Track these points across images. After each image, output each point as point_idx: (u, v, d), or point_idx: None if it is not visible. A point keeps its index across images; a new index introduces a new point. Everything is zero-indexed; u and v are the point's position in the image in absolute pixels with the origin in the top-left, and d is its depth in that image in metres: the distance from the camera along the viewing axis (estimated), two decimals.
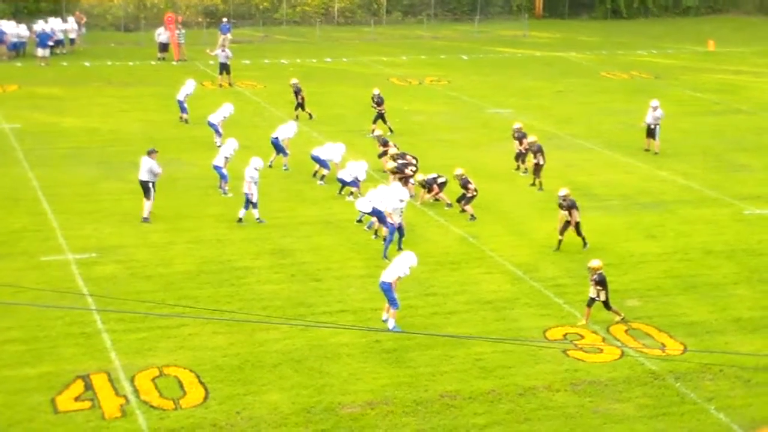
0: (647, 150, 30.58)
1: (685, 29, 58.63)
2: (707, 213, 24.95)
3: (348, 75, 43.04)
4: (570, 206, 21.67)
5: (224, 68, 39.27)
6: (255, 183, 23.07)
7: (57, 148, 29.63)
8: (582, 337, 17.73)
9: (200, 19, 54.51)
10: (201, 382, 15.79)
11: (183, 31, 45.98)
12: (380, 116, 31.98)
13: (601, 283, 18.01)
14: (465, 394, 15.71)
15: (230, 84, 39.19)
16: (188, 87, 32.57)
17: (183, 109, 32.41)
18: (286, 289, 19.65)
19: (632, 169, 29.00)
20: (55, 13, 49.29)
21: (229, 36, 47.68)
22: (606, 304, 18.14)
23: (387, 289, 17.72)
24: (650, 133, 30.63)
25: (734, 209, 25.32)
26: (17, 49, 44.10)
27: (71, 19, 47.02)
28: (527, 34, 55.35)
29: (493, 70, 45.07)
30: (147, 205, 22.94)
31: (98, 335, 17.26)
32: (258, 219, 23.24)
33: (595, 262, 18.26)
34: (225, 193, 25.21)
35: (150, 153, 23.30)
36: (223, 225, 23.13)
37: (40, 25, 43.65)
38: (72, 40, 46.20)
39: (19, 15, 49.23)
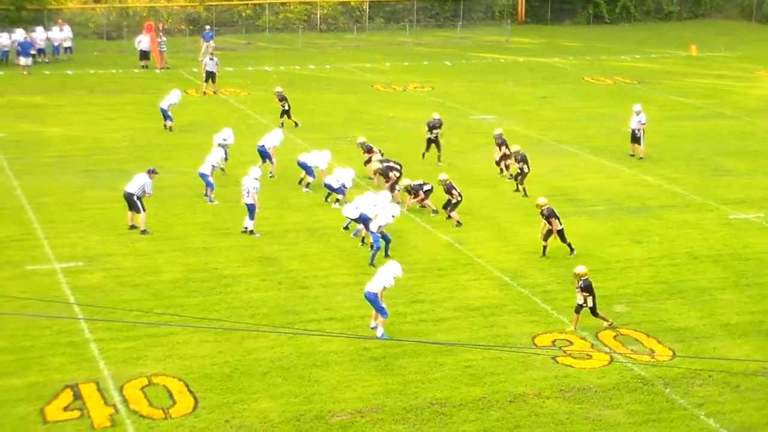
0: (632, 155, 30.71)
1: (668, 34, 58.92)
2: (693, 218, 25.06)
3: (331, 82, 43.03)
4: (549, 215, 21.68)
5: (210, 76, 39.21)
6: (256, 192, 22.94)
7: (41, 156, 29.48)
8: (571, 343, 17.77)
9: (182, 27, 54.37)
10: (190, 391, 15.73)
11: (165, 38, 45.86)
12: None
13: (587, 289, 18.05)
14: (455, 401, 15.71)
15: (215, 92, 39.12)
16: (173, 97, 32.41)
17: (167, 117, 32.31)
18: (274, 297, 19.61)
19: (617, 174, 29.12)
20: (37, 21, 49.06)
21: (212, 43, 47.61)
22: (593, 311, 18.19)
23: (373, 299, 17.70)
24: (634, 138, 30.77)
25: (719, 214, 25.45)
26: (1, 58, 43.85)
27: (67, 28, 46.79)
28: (510, 39, 55.50)
29: (477, 76, 45.16)
30: (142, 217, 22.84)
31: (86, 344, 17.17)
32: (252, 231, 23.09)
33: (580, 269, 18.31)
34: (210, 201, 25.16)
35: (150, 172, 23.20)
36: (210, 233, 23.07)
37: (21, 34, 43.42)
38: (67, 49, 45.94)
39: (0, 23, 48.92)
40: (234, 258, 21.57)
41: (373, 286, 17.76)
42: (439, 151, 29.66)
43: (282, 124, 32.66)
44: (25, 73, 42.21)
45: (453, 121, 35.89)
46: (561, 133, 33.96)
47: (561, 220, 21.92)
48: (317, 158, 26.69)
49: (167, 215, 24.07)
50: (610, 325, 18.33)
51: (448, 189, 24.02)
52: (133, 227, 22.98)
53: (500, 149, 28.16)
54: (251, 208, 22.99)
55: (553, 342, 17.83)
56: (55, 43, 45.65)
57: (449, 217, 24.13)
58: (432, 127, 29.73)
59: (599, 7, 62.35)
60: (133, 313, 18.12)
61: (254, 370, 16.49)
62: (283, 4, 58.23)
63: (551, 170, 29.01)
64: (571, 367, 16.87)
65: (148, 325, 17.65)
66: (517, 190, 26.73)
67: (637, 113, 30.60)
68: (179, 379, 16.05)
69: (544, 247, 21.93)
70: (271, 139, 27.87)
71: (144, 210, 22.84)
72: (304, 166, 26.63)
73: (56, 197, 25.50)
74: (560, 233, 21.87)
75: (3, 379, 15.92)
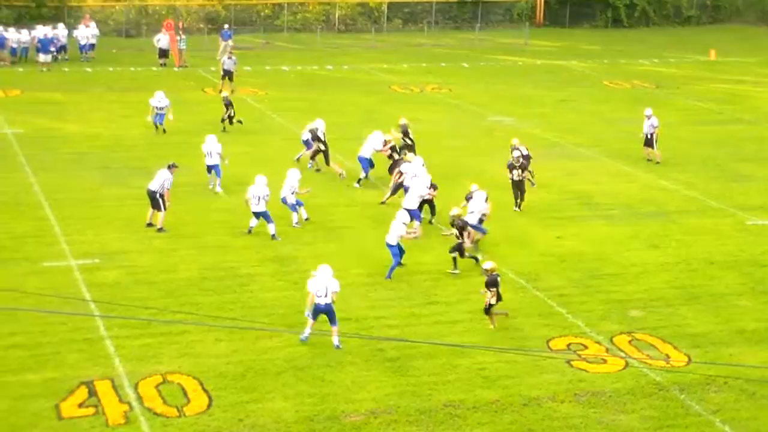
0: (649, 160, 30.58)
1: (687, 38, 58.68)
2: (710, 223, 24.95)
3: (349, 82, 43.05)
4: (461, 227, 21.19)
5: (228, 75, 39.28)
6: (266, 200, 22.76)
7: (59, 153, 29.61)
8: (585, 347, 17.71)
9: (201, 26, 54.50)
10: (204, 390, 15.77)
11: (184, 37, 45.99)
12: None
13: (492, 284, 18.08)
14: (469, 403, 15.68)
15: (232, 91, 39.15)
16: (158, 99, 31.91)
17: (156, 121, 31.83)
18: (289, 297, 19.63)
19: (634, 178, 29.02)
20: (57, 18, 49.30)
21: (230, 42, 47.72)
22: (486, 308, 18.17)
23: (329, 309, 17.38)
24: (648, 142, 30.66)
25: (737, 219, 25.32)
26: (19, 55, 44.11)
27: (93, 24, 46.99)
28: (528, 42, 55.37)
29: (494, 78, 45.09)
30: (161, 216, 22.91)
31: (101, 341, 17.23)
32: (274, 236, 22.87)
33: (488, 264, 18.50)
34: (214, 188, 25.65)
35: (170, 167, 23.30)
36: (226, 232, 23.11)
37: (41, 31, 43.64)
38: (92, 45, 46.12)
39: (21, 20, 49.21)
40: (250, 257, 21.61)
41: (329, 296, 17.41)
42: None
43: (224, 128, 31.88)
44: (44, 69, 42.41)
45: (470, 123, 35.91)
46: (578, 137, 33.86)
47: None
48: (371, 144, 27.36)
49: (184, 213, 24.11)
50: (505, 314, 18.53)
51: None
52: (150, 225, 23.05)
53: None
54: (266, 216, 22.82)
55: (568, 346, 17.78)
56: (81, 41, 45.81)
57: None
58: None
59: (618, 11, 62.13)
60: (148, 311, 18.17)
61: (268, 370, 16.51)
62: (301, 4, 58.29)
63: (568, 173, 28.93)
64: (586, 371, 16.82)
65: (163, 323, 17.69)
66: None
67: (648, 117, 30.53)
68: (194, 378, 16.09)
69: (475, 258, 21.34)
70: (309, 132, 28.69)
71: (165, 209, 22.89)
72: (361, 160, 27.15)
73: (73, 194, 25.59)
74: (460, 247, 21.15)
75: (19, 374, 16.00)
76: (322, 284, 17.35)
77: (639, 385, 16.42)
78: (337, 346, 17.34)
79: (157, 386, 15.78)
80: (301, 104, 35.29)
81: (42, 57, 42.70)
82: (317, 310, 17.37)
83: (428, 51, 52.51)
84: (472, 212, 22.39)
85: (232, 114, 32.49)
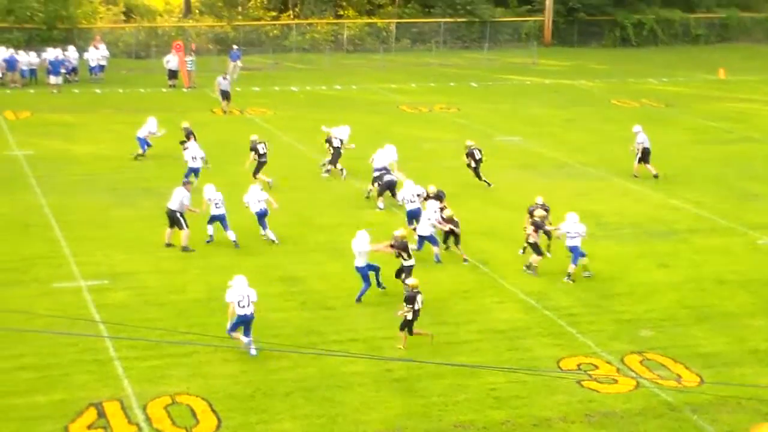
0: (656, 176, 30.55)
1: (696, 57, 58.70)
2: (720, 242, 24.84)
3: (357, 102, 43.14)
4: (403, 247, 20.81)
5: (224, 95, 39.45)
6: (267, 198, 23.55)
7: (69, 174, 29.68)
8: (596, 367, 17.62)
9: (210, 47, 54.77)
10: (213, 411, 15.72)
11: (193, 58, 46.20)
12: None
13: (409, 301, 18.03)
14: (479, 424, 15.60)
15: (224, 111, 39.17)
16: (150, 125, 31.81)
17: (142, 146, 31.49)
18: (297, 317, 19.60)
19: (643, 197, 28.94)
20: (68, 41, 49.59)
21: (239, 63, 47.94)
22: (407, 323, 18.10)
23: (253, 318, 17.64)
24: (644, 158, 30.74)
25: (747, 239, 25.21)
26: (29, 77, 44.38)
27: (102, 46, 47.27)
28: (536, 61, 55.47)
29: (503, 98, 45.14)
30: (184, 235, 22.97)
31: (111, 362, 17.21)
32: (274, 240, 23.50)
33: (411, 280, 18.51)
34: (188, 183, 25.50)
35: (185, 184, 23.38)
36: (234, 252, 23.10)
37: (51, 53, 43.88)
38: (102, 67, 46.35)
39: (32, 43, 49.51)
40: (258, 277, 21.49)
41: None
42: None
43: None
44: (54, 91, 42.62)
45: (478, 142, 35.78)
46: (587, 156, 33.81)
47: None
48: (385, 156, 27.91)
49: (192, 233, 24.05)
50: (430, 337, 18.42)
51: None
52: (169, 245, 23.03)
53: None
54: (261, 216, 23.33)
55: (579, 366, 17.68)
56: (92, 63, 46.04)
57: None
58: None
59: (626, 30, 62.25)
60: (157, 332, 18.13)
61: (277, 391, 16.46)
62: (310, 24, 58.58)
63: (577, 193, 28.88)
64: (597, 391, 16.72)
65: (172, 344, 17.67)
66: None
67: (637, 133, 30.89)
68: (202, 399, 16.05)
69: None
70: (341, 132, 30.01)
71: (187, 227, 22.93)
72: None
73: (83, 215, 25.64)
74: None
75: (28, 396, 15.98)
76: (243, 294, 17.57)
77: (650, 405, 16.31)
78: (254, 354, 17.56)
79: (166, 407, 15.74)
80: (310, 124, 35.30)
81: (52, 79, 42.92)
82: (242, 322, 17.59)
83: (436, 71, 52.63)
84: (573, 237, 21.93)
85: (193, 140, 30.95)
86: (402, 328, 18.25)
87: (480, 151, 29.34)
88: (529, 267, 22.18)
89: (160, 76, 46.12)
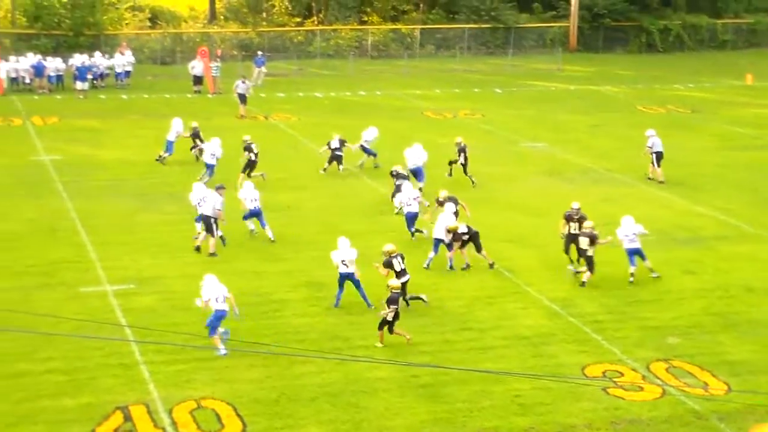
0: (662, 182, 30.70)
1: (722, 63, 58.37)
2: (747, 249, 24.65)
3: (382, 108, 43.20)
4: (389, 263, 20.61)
5: (241, 99, 39.66)
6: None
7: (95, 179, 29.89)
8: (622, 374, 17.53)
9: (235, 53, 55.03)
10: (238, 415, 15.77)
11: (219, 64, 46.44)
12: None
13: (391, 302, 18.20)
14: (503, 430, 15.57)
15: (242, 115, 39.35)
16: (176, 126, 31.98)
17: (169, 149, 31.68)
18: (322, 323, 19.63)
19: (669, 203, 28.79)
20: (94, 47, 49.99)
21: (263, 69, 48.14)
22: (387, 323, 18.31)
23: (226, 315, 17.92)
24: (657, 161, 30.95)
25: None
26: (57, 83, 44.78)
27: (128, 53, 47.65)
28: (561, 67, 55.33)
29: (527, 104, 45.06)
30: (211, 241, 23.09)
31: (137, 366, 17.31)
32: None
33: (393, 281, 18.66)
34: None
35: (218, 189, 23.51)
36: (259, 257, 23.19)
37: (78, 59, 44.25)
38: (128, 73, 46.69)
39: (59, 49, 49.96)
40: (283, 283, 21.64)
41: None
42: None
43: (197, 157, 31.64)
44: (81, 97, 42.97)
45: (503, 148, 35.87)
46: (612, 162, 33.68)
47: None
48: (416, 155, 28.76)
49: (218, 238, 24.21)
50: (408, 340, 18.51)
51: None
52: (198, 249, 23.14)
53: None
54: (258, 214, 23.95)
55: (604, 373, 17.61)
56: (118, 70, 46.40)
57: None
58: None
59: (652, 36, 62.01)
60: (182, 336, 18.21)
61: (302, 396, 16.49)
62: (334, 30, 58.74)
63: (602, 199, 28.76)
64: (622, 399, 16.63)
65: (197, 349, 17.74)
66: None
67: (650, 136, 31.08)
68: (228, 403, 16.11)
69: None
70: (369, 134, 31.24)
71: (216, 234, 23.11)
72: (417, 172, 28.44)
73: (109, 220, 25.80)
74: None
75: (56, 399, 16.11)
76: (219, 292, 17.95)
77: (677, 413, 16.21)
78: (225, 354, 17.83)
79: (191, 411, 15.81)
80: (334, 130, 35.31)
81: (79, 85, 43.29)
82: (221, 317, 17.91)
83: (461, 77, 52.62)
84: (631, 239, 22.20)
85: (200, 143, 31.54)
86: (380, 327, 18.46)
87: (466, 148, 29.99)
88: (583, 284, 21.76)
89: (185, 82, 46.41)
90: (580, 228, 22.30)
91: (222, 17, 61.73)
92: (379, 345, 18.49)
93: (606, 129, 39.73)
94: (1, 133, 36.27)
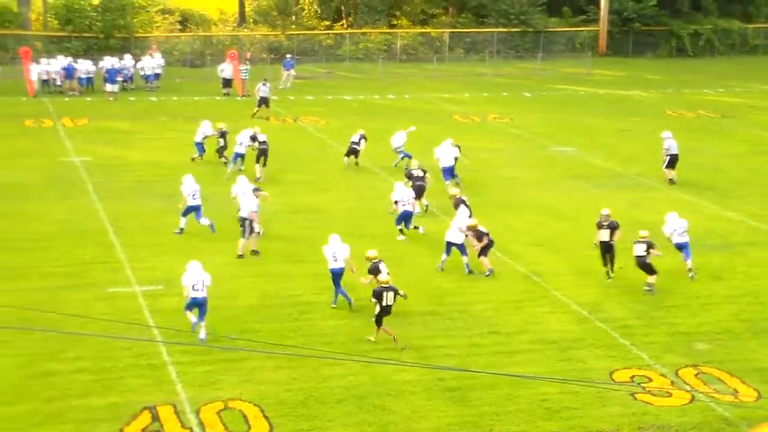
0: (671, 179, 30.94)
1: (753, 68, 57.89)
2: None
3: (410, 111, 43.18)
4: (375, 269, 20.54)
5: (264, 102, 39.82)
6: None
7: (124, 180, 30.08)
8: (650, 380, 17.40)
9: (264, 55, 55.23)
10: (265, 417, 15.79)
11: (248, 67, 46.63)
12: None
13: (375, 295, 18.44)
14: None
15: (267, 118, 39.47)
16: (205, 127, 32.10)
17: (199, 151, 31.90)
18: (349, 325, 19.62)
19: (698, 209, 28.55)
20: (125, 49, 50.38)
21: (293, 72, 48.30)
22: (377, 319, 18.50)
23: (205, 301, 18.45)
24: (672, 163, 31.00)
25: None
26: (87, 85, 45.16)
27: (158, 55, 47.99)
28: (590, 71, 55.12)
29: (556, 108, 44.91)
30: (242, 243, 23.19)
31: (164, 367, 17.38)
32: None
33: (383, 276, 18.88)
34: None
35: (254, 191, 23.63)
36: (287, 259, 23.22)
37: (108, 62, 44.60)
38: (157, 75, 46.99)
39: (90, 52, 50.39)
40: (310, 285, 21.66)
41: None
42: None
43: (225, 160, 31.70)
44: (111, 99, 43.29)
45: (531, 152, 35.76)
46: (641, 167, 33.48)
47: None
48: (448, 153, 29.16)
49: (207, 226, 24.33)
50: (394, 341, 18.54)
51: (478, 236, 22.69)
52: (255, 252, 23.32)
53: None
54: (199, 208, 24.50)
55: (632, 378, 17.49)
56: (147, 72, 46.70)
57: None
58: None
59: (682, 40, 61.65)
60: (209, 337, 18.29)
61: (329, 398, 16.49)
62: (363, 33, 58.82)
63: (631, 204, 28.60)
64: (650, 404, 16.51)
65: (224, 350, 17.80)
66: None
67: (666, 139, 31.28)
68: (254, 404, 16.14)
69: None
70: (398, 139, 31.34)
71: (247, 237, 23.22)
72: (446, 171, 28.97)
73: (137, 221, 25.95)
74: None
75: (85, 398, 16.20)
76: (198, 278, 18.44)
77: (706, 419, 16.06)
78: (203, 340, 18.17)
79: (218, 412, 15.86)
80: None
81: (109, 87, 43.63)
82: (195, 303, 18.44)
83: (490, 80, 52.54)
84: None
85: (224, 144, 31.74)
86: (377, 323, 18.68)
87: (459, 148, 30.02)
88: (650, 288, 21.56)
89: (214, 85, 46.64)
90: (611, 236, 22.06)
91: (251, 20, 62.01)
92: (372, 339, 18.69)
93: (635, 134, 39.50)
94: (32, 135, 36.60)
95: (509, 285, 22.05)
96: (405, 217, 24.92)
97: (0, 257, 22.86)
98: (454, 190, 25.43)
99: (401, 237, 24.84)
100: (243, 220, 23.22)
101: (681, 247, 22.58)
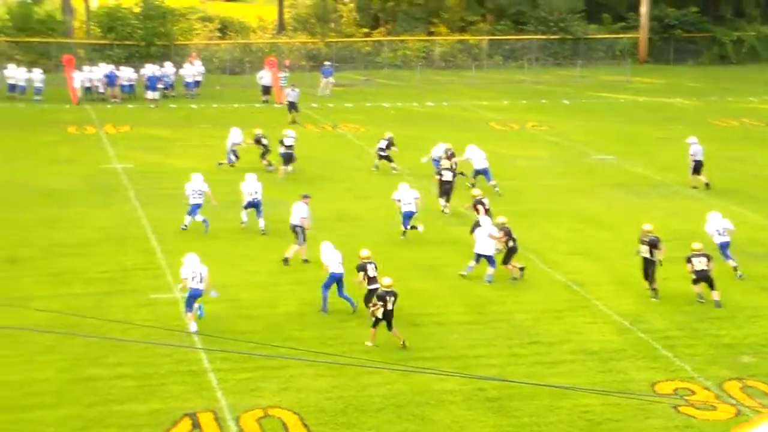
0: (695, 187, 30.93)
1: None
2: None
3: (448, 119, 43.14)
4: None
5: (292, 106, 39.93)
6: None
7: (165, 187, 30.26)
8: (693, 393, 17.19)
9: (303, 63, 55.44)
10: (305, 425, 15.81)
11: (287, 74, 46.82)
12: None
13: (379, 298, 18.60)
14: None
15: (293, 121, 39.48)
16: (234, 136, 32.23)
17: (229, 158, 32.05)
18: (388, 334, 19.55)
19: (742, 218, 28.13)
20: (165, 57, 50.81)
21: (331, 79, 48.43)
22: (378, 320, 18.65)
23: (201, 294, 19.22)
24: (697, 169, 31.03)
25: None
26: (128, 92, 45.59)
27: (198, 62, 48.35)
28: (630, 79, 54.70)
29: (596, 116, 44.62)
30: (293, 248, 23.36)
31: (205, 374, 17.46)
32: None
33: (386, 280, 18.82)
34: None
35: (303, 197, 23.79)
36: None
37: (149, 69, 44.99)
38: (197, 83, 47.32)
39: (131, 59, 50.88)
40: (350, 293, 21.61)
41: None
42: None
43: (269, 163, 32.11)
44: (152, 106, 43.65)
45: (570, 160, 35.55)
46: (682, 176, 33.08)
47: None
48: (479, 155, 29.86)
49: (285, 248, 24.32)
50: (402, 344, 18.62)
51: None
52: (306, 261, 23.31)
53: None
54: (256, 205, 25.50)
55: (675, 390, 17.28)
56: (188, 79, 47.04)
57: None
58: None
59: (725, 47, 60.94)
60: (249, 345, 18.33)
61: (368, 406, 16.47)
62: (401, 41, 58.85)
63: (672, 213, 28.33)
64: (694, 417, 16.30)
65: (264, 357, 17.83)
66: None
67: (692, 144, 31.27)
68: (294, 412, 16.15)
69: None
70: (437, 151, 30.56)
71: (302, 243, 23.33)
72: (485, 172, 29.55)
73: (178, 227, 26.06)
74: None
75: (126, 404, 16.32)
76: (196, 271, 19.26)
77: None
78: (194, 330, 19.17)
79: (258, 420, 15.89)
80: (400, 140, 35.38)
81: (150, 94, 44.00)
82: (194, 296, 19.16)
83: (528, 88, 52.33)
84: None
85: (265, 150, 32.23)
86: (374, 326, 18.86)
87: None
88: (717, 303, 21.22)
89: (253, 92, 46.86)
90: (651, 253, 21.62)
91: (290, 28, 62.28)
92: (369, 344, 18.76)
93: (676, 142, 38.94)
94: (75, 142, 36.99)
95: (549, 294, 21.91)
96: (407, 217, 25.34)
97: (43, 263, 23.12)
98: (476, 191, 25.64)
99: (403, 237, 25.37)
100: (294, 227, 23.31)
101: (723, 246, 22.72)
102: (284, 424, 15.80)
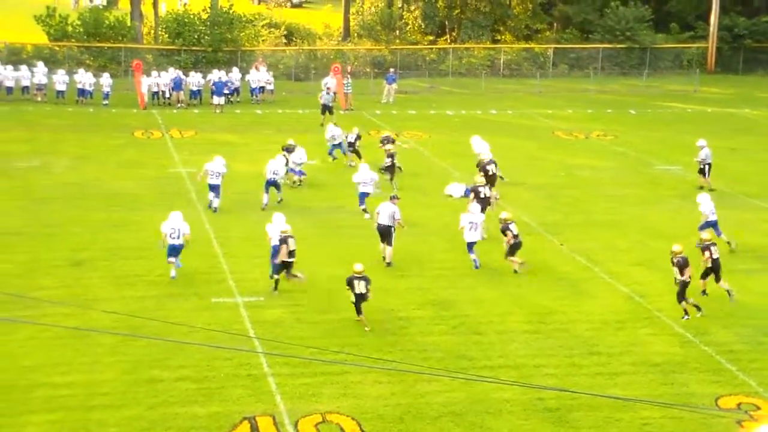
0: (701, 188, 30.99)
1: None
2: None
3: (512, 127, 42.93)
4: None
5: (327, 109, 40.50)
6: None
7: (228, 192, 30.48)
8: (758, 408, 16.87)
9: (368, 70, 55.65)
10: (362, 431, 15.84)
11: (350, 80, 47.03)
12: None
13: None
14: None
15: (321, 124, 39.59)
16: (298, 155, 32.11)
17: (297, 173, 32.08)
18: (448, 341, 19.57)
19: None
20: (232, 62, 51.40)
21: (395, 86, 48.52)
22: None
23: (181, 248, 21.86)
24: (703, 171, 31.52)
25: None
26: (195, 97, 46.21)
27: (263, 69, 48.83)
28: (698, 89, 53.90)
29: (662, 126, 44.03)
30: (388, 251, 23.62)
31: (264, 378, 17.61)
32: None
33: (357, 266, 19.70)
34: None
35: (392, 198, 24.24)
36: (387, 274, 23.28)
37: (215, 75, 45.55)
38: (262, 89, 47.69)
39: (198, 65, 51.58)
40: (410, 300, 21.68)
41: None
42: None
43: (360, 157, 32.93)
44: (217, 111, 44.15)
45: (636, 170, 35.14)
46: (750, 187, 32.58)
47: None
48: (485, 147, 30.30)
49: (344, 254, 24.42)
50: None
51: (503, 229, 23.47)
52: (389, 264, 23.57)
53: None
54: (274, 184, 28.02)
55: (739, 405, 16.99)
56: (253, 85, 47.50)
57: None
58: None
59: None
60: (309, 350, 18.44)
61: (426, 414, 16.46)
62: (467, 49, 58.75)
63: (738, 224, 27.79)
64: None
65: (323, 363, 17.92)
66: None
67: (702, 147, 31.74)
68: (352, 418, 16.21)
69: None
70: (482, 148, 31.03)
71: (392, 244, 23.59)
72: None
73: (241, 232, 26.35)
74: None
75: (187, 406, 16.53)
76: (175, 228, 21.81)
77: None
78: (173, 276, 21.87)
79: (316, 425, 15.98)
80: (464, 149, 35.32)
81: (216, 99, 44.51)
82: (173, 249, 21.91)
83: (594, 97, 51.85)
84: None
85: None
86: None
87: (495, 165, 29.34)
88: (730, 297, 21.43)
89: (318, 99, 47.04)
90: (682, 273, 20.92)
91: (356, 35, 62.57)
92: (367, 328, 19.78)
93: (744, 153, 38.44)
94: (141, 146, 37.58)
95: (611, 305, 21.69)
96: (362, 197, 26.99)
97: (109, 265, 23.52)
98: (480, 179, 25.91)
99: (367, 215, 26.49)
100: (386, 228, 23.74)
101: (713, 224, 24.71)
102: (342, 430, 15.87)
